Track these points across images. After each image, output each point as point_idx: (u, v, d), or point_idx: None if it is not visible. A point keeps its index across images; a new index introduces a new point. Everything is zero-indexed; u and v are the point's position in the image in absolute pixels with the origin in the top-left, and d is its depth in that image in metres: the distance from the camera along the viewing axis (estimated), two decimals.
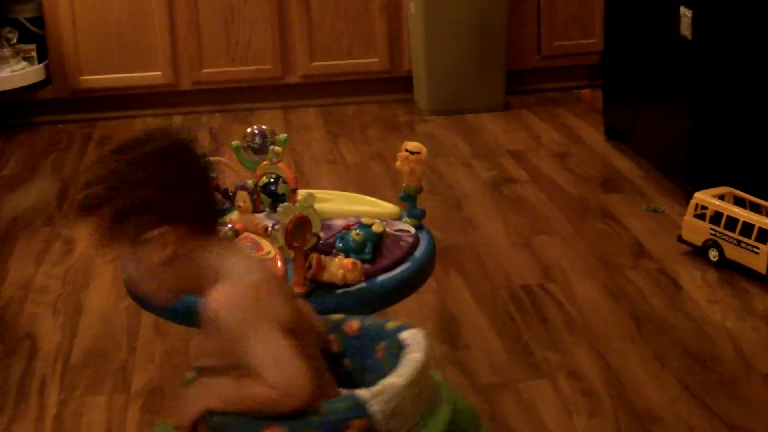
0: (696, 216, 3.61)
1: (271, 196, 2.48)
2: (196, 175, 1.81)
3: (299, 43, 5.63)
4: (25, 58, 5.50)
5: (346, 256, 2.25)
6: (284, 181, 2.47)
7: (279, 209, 2.14)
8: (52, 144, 5.28)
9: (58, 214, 4.28)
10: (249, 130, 2.58)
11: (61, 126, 5.55)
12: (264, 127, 2.60)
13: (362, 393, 1.70)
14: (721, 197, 3.61)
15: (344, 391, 1.83)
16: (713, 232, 3.54)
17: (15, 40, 5.50)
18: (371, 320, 1.96)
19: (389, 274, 2.29)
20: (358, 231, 2.29)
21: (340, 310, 2.18)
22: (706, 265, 3.55)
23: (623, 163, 4.60)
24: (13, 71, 5.42)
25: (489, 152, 4.88)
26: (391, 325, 1.91)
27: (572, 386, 2.86)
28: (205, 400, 1.73)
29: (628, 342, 3.10)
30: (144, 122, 5.54)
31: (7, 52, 5.44)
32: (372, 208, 2.55)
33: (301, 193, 2.34)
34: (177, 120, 5.57)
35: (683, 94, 4.00)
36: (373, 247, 2.30)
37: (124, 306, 3.39)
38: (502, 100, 5.56)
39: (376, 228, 2.31)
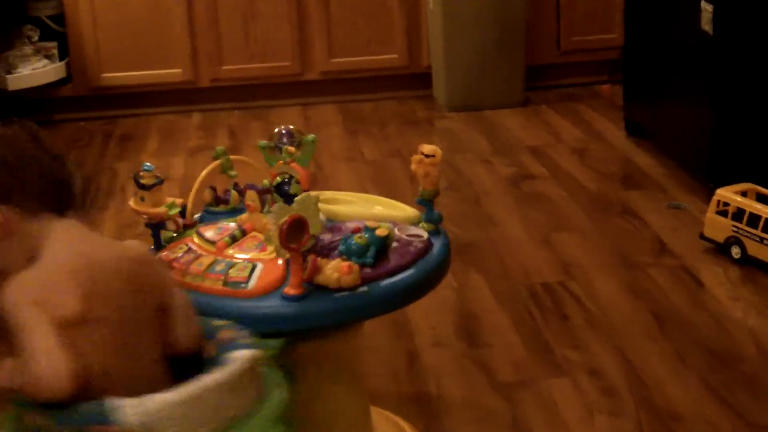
0: (718, 213, 3.59)
1: (284, 196, 2.46)
2: (31, 158, 1.94)
3: (318, 39, 5.63)
4: (46, 56, 5.51)
5: (348, 260, 2.22)
6: (297, 182, 2.45)
7: (273, 209, 2.12)
8: (72, 141, 5.29)
9: (80, 208, 4.28)
10: (276, 129, 2.55)
11: (81, 123, 5.56)
12: (291, 127, 2.56)
13: (119, 401, 1.70)
14: (744, 194, 3.59)
15: None
16: (735, 229, 3.52)
17: (36, 37, 5.50)
18: (242, 332, 1.93)
19: (391, 279, 2.23)
20: (361, 234, 2.26)
21: (338, 314, 2.15)
22: (728, 263, 3.53)
23: (644, 160, 4.58)
24: (34, 69, 5.43)
25: (508, 148, 4.87)
26: (245, 340, 1.89)
27: (593, 384, 2.85)
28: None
29: (650, 340, 3.08)
30: (164, 119, 5.55)
31: (28, 49, 5.45)
32: (390, 211, 2.51)
33: (312, 194, 2.32)
34: (196, 117, 5.58)
35: (704, 90, 3.99)
36: (376, 251, 2.25)
37: None
38: (522, 96, 5.54)
39: (380, 232, 2.26)
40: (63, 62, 5.52)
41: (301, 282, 2.14)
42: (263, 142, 2.51)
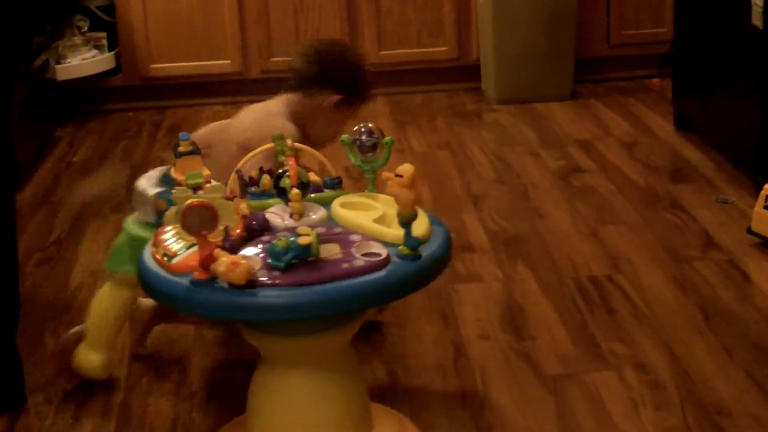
0: (766, 207, 3.56)
1: (276, 188, 2.46)
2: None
3: (368, 31, 5.64)
4: (95, 46, 5.55)
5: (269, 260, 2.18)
6: (288, 177, 2.43)
7: (173, 192, 2.18)
8: (121, 132, 5.33)
9: (127, 202, 4.32)
10: (356, 127, 2.57)
11: (130, 114, 5.60)
12: (371, 125, 2.57)
13: None
14: None
15: None
16: None
17: (86, 28, 5.55)
18: None
19: (277, 291, 2.13)
20: (282, 237, 2.18)
21: (206, 308, 2.16)
22: None
23: (692, 154, 4.56)
24: (83, 59, 5.47)
25: (557, 141, 4.86)
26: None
27: (639, 378, 2.84)
28: None
29: (696, 334, 3.07)
30: (213, 110, 5.57)
31: (78, 40, 5.50)
32: (384, 228, 2.41)
33: (219, 185, 2.30)
34: None
35: (754, 84, 3.96)
36: (295, 257, 2.16)
37: None
38: (571, 89, 5.53)
39: (303, 240, 2.15)
40: (112, 53, 5.56)
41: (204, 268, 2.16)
42: (345, 136, 2.53)
